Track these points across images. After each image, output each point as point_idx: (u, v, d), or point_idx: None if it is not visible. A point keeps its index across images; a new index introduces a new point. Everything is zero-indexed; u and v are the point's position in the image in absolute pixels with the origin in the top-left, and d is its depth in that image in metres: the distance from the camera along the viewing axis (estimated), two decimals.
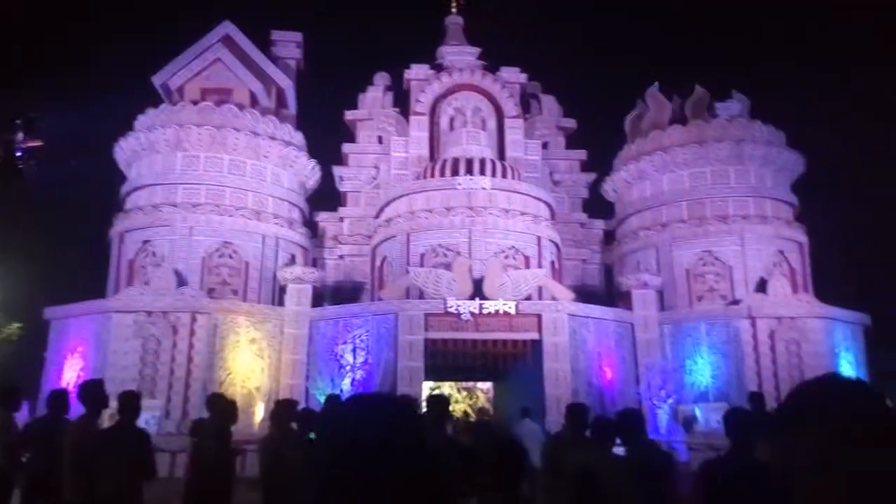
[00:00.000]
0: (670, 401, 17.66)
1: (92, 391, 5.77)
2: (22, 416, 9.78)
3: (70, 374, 17.64)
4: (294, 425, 6.20)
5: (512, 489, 3.11)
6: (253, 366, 18.19)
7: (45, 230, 25.08)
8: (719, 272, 20.25)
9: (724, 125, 21.38)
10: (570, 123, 25.96)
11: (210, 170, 20.30)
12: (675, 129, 21.84)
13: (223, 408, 6.47)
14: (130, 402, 5.59)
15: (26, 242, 23.92)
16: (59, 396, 6.79)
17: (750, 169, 21.08)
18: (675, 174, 21.58)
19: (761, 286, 19.32)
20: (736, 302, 19.27)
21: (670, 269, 20.74)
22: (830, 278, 21.51)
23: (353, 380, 17.71)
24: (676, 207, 21.38)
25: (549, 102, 26.10)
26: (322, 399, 16.70)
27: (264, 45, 23.70)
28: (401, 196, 21.59)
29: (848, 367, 18.50)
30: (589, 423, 5.33)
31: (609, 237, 24.50)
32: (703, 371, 18.73)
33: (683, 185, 21.47)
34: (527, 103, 26.18)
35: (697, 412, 17.90)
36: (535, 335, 17.78)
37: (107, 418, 8.71)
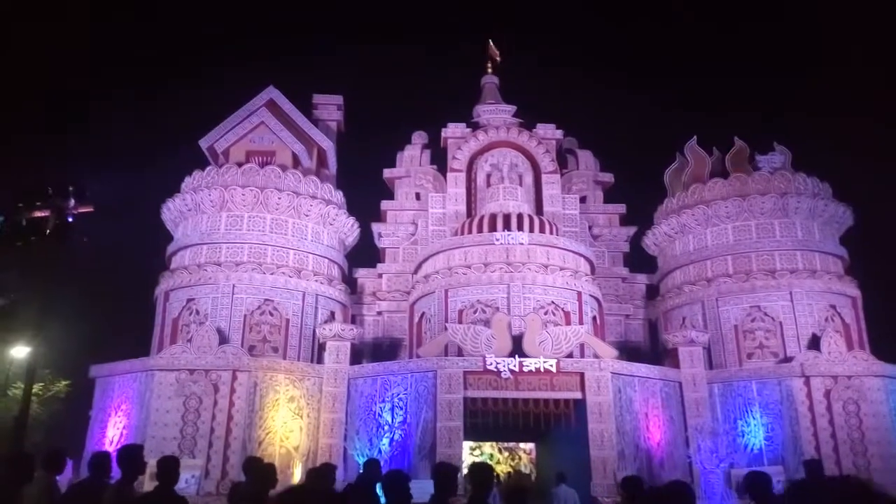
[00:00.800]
0: (723, 465, 16.82)
1: (129, 456, 5.74)
2: (65, 477, 9.83)
3: (113, 431, 17.79)
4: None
5: None
6: (292, 425, 18.07)
7: (94, 290, 25.79)
8: (769, 328, 19.57)
9: (767, 178, 21.04)
10: (608, 178, 25.89)
11: (253, 229, 20.76)
12: (717, 182, 21.57)
13: (260, 471, 6.37)
14: (169, 468, 5.53)
15: (76, 302, 24.61)
16: (101, 459, 6.77)
17: (796, 222, 20.58)
18: (719, 228, 21.19)
19: (814, 343, 18.57)
20: (788, 359, 18.52)
21: (717, 325, 20.13)
22: (887, 335, 20.53)
23: (392, 440, 17.41)
24: (721, 261, 20.91)
25: (585, 157, 26.16)
26: (360, 461, 16.41)
27: (306, 108, 24.52)
28: (438, 252, 21.65)
29: None
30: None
31: (652, 292, 24.01)
32: (755, 433, 17.88)
33: (727, 238, 21.03)
34: (563, 158, 26.28)
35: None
36: (577, 394, 17.31)
37: (147, 480, 8.69)
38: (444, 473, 5.18)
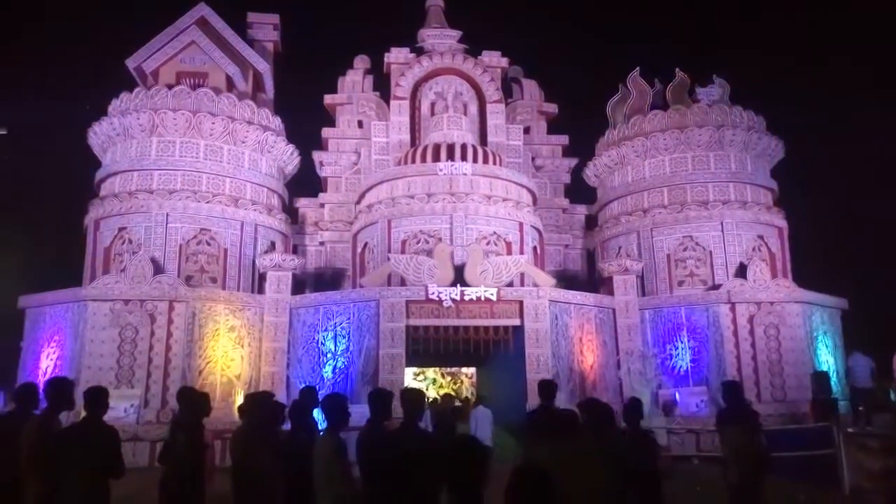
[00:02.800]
0: (651, 386, 17.77)
1: (56, 389, 5.63)
2: None
3: (47, 363, 17.40)
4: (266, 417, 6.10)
5: (468, 489, 3.06)
6: (233, 354, 18.04)
7: (21, 219, 24.59)
8: (700, 257, 20.36)
9: (705, 111, 21.39)
10: (552, 108, 25.83)
11: (186, 155, 19.95)
12: (657, 114, 21.81)
13: (194, 401, 6.38)
14: (98, 399, 5.44)
15: (2, 232, 23.47)
16: (27, 391, 6.62)
17: (730, 154, 21.13)
18: (657, 159, 21.59)
19: (741, 271, 19.45)
20: (716, 287, 19.40)
21: (651, 254, 20.81)
22: (808, 263, 21.69)
23: (335, 367, 17.64)
24: (658, 193, 21.41)
25: (530, 87, 25.95)
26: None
27: (240, 28, 23.27)
28: (381, 182, 21.41)
29: (825, 351, 18.72)
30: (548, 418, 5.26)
31: (591, 222, 24.51)
32: (682, 356, 18.88)
33: (664, 170, 21.49)
34: (508, 88, 26.01)
35: (677, 397, 18.05)
36: (516, 321, 17.79)
37: (83, 412, 8.58)
38: (379, 398, 5.32)
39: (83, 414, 5.42)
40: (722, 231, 20.23)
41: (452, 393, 21.12)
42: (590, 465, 4.37)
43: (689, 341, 18.93)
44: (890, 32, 29.90)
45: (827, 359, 18.52)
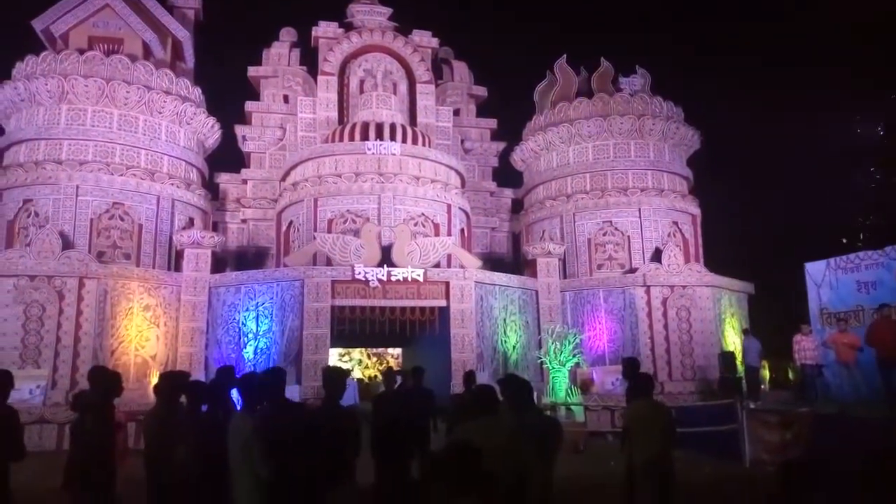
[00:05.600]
0: (569, 364, 18.35)
1: None
2: None
3: None
4: (183, 398, 5.94)
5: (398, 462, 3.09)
6: (148, 334, 17.37)
7: None
8: (619, 242, 21.07)
9: (628, 100, 22.03)
10: (482, 91, 25.98)
11: (98, 125, 18.91)
12: (582, 101, 22.30)
13: (104, 380, 6.12)
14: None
15: None
16: None
17: (650, 143, 21.89)
18: (581, 146, 22.12)
19: (657, 256, 20.27)
20: (633, 270, 20.15)
21: (573, 238, 21.38)
22: (719, 249, 22.86)
23: (256, 348, 17.28)
24: (580, 179, 21.96)
25: (460, 68, 25.98)
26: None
27: None
28: (308, 159, 21.00)
29: (732, 332, 19.82)
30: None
31: (517, 206, 24.91)
32: (600, 336, 19.58)
33: (587, 157, 22.05)
34: (439, 69, 25.95)
35: (594, 375, 18.72)
36: (442, 302, 17.94)
37: None
38: (332, 377, 5.33)
39: None
40: (640, 217, 20.99)
41: (394, 367, 21.14)
42: (514, 441, 4.48)
43: (606, 322, 19.63)
44: (799, 36, 31.67)
45: (734, 340, 19.63)
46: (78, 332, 16.16)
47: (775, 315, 22.44)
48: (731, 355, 18.53)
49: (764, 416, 11.99)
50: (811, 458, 8.12)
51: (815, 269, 17.05)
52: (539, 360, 18.70)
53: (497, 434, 4.47)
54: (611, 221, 21.19)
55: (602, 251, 21.12)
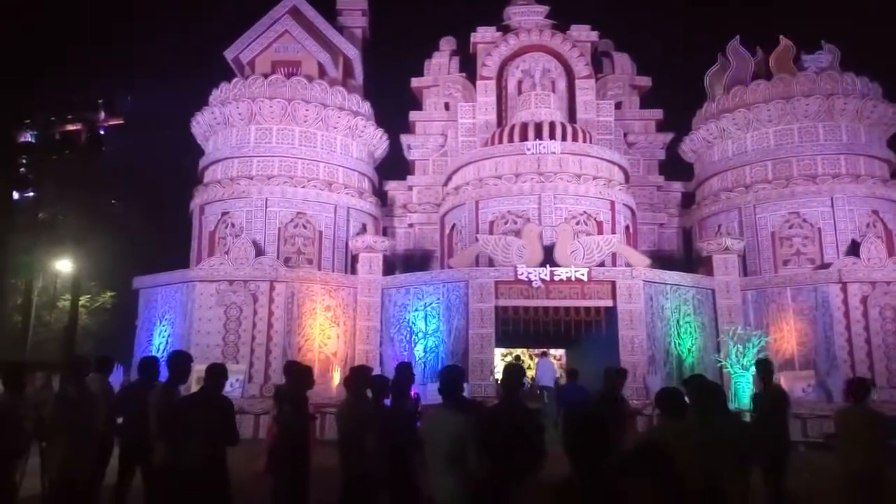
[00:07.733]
0: (753, 370, 16.94)
1: (176, 362, 6.02)
2: (116, 380, 10.40)
3: (159, 340, 18.63)
4: (368, 391, 6.26)
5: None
6: (329, 332, 18.66)
7: (132, 205, 26.33)
8: (807, 235, 19.17)
9: (813, 78, 19.99)
10: (645, 81, 24.89)
11: (282, 142, 20.70)
12: (760, 84, 20.59)
13: (299, 374, 6.61)
14: (217, 373, 5.75)
15: (116, 216, 25.23)
16: (150, 363, 7.12)
17: (841, 124, 19.68)
18: (760, 132, 20.40)
19: (853, 249, 18.17)
20: (825, 266, 18.22)
21: (754, 231, 19.78)
22: None
23: (426, 346, 17.90)
24: (761, 167, 20.27)
25: (621, 60, 25.09)
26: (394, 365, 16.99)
27: (330, 15, 23.77)
28: (468, 163, 21.40)
29: None
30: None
31: (687, 200, 23.54)
32: (787, 339, 17.89)
33: (768, 143, 20.29)
34: (598, 62, 25.26)
35: (781, 382, 17.13)
36: (608, 302, 17.41)
37: (194, 384, 9.13)
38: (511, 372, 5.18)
39: (193, 387, 5.74)
40: (832, 206, 18.94)
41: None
42: (704, 447, 4.22)
43: (794, 323, 17.91)
44: None
45: None
46: (270, 331, 17.76)
47: None
48: None
49: None
50: None
51: None
52: (718, 364, 17.48)
53: (687, 438, 4.24)
54: (798, 212, 19.31)
55: (788, 245, 19.31)
